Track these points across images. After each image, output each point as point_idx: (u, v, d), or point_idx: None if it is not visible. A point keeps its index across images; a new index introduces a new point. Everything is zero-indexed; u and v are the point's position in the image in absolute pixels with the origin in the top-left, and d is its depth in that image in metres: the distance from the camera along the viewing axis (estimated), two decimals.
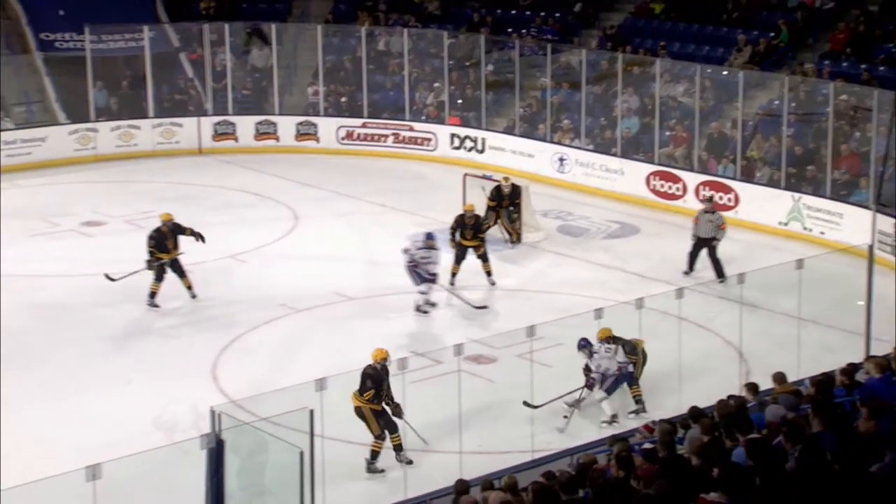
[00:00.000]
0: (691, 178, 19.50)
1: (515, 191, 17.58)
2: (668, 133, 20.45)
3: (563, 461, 9.59)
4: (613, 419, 11.61)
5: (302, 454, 9.11)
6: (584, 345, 11.83)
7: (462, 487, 8.33)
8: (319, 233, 18.30)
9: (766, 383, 9.90)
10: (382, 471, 10.74)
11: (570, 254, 17.39)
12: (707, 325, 13.77)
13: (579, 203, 19.96)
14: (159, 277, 14.64)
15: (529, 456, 10.39)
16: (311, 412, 9.15)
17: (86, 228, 18.31)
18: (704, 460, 7.17)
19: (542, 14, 24.17)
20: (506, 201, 17.47)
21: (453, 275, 15.45)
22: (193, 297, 14.83)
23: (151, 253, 14.62)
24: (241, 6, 25.70)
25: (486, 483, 8.33)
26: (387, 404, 10.72)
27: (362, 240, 18.04)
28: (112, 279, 14.81)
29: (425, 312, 14.53)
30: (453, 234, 15.55)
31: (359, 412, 10.75)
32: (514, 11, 24.87)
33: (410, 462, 10.77)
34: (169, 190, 20.55)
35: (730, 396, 9.10)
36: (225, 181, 21.14)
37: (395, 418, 10.76)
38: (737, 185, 18.93)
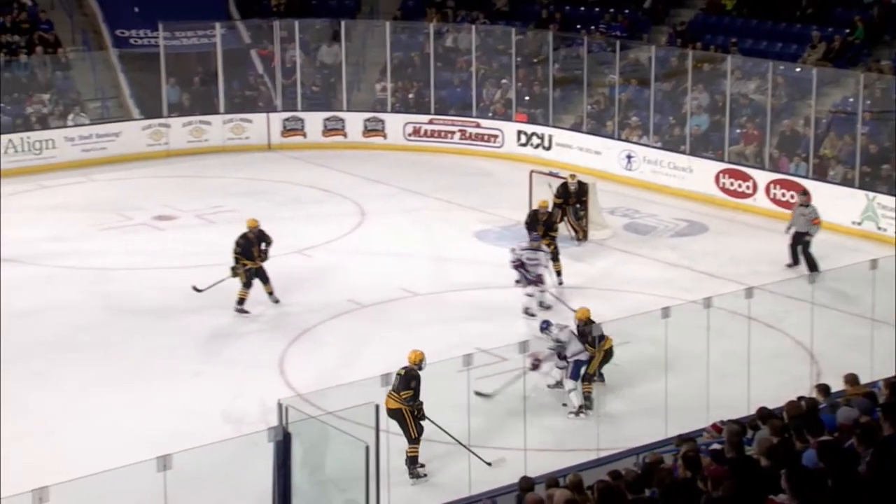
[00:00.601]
0: (762, 177, 19.25)
1: (582, 188, 17.50)
2: (738, 131, 20.19)
3: (628, 460, 9.52)
4: (581, 410, 11.66)
5: (367, 448, 9.17)
6: (546, 326, 12.03)
7: (527, 485, 8.30)
8: (386, 229, 18.39)
9: (837, 385, 9.73)
10: (425, 475, 10.54)
11: (637, 252, 17.26)
12: (777, 326, 13.58)
13: (647, 201, 19.81)
14: (247, 284, 14.39)
15: (595, 454, 10.34)
16: (377, 407, 9.21)
17: (157, 222, 18.61)
18: (774, 462, 7.07)
19: (612, 10, 24.02)
20: (572, 198, 17.40)
21: (558, 273, 15.55)
22: (276, 302, 14.66)
23: (237, 259, 14.37)
24: (311, 3, 25.94)
25: (551, 481, 8.29)
26: (417, 408, 10.49)
27: (428, 236, 18.09)
28: (199, 290, 14.58)
29: (532, 315, 14.15)
30: (530, 226, 15.60)
31: (397, 414, 10.46)
32: (582, 8, 24.76)
33: (424, 476, 10.58)
34: (238, 185, 20.83)
35: (800, 398, 8.96)
36: (293, 177, 21.35)
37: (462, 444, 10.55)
38: (809, 184, 18.61)
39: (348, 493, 9.71)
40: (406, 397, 10.42)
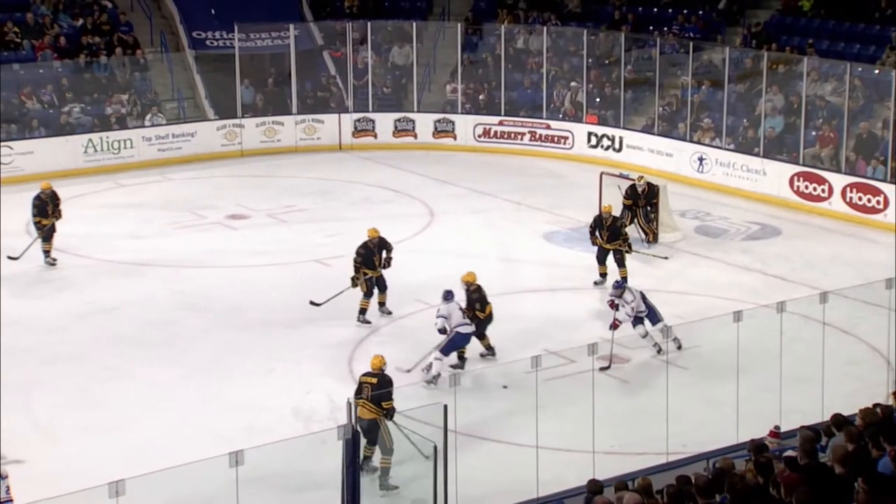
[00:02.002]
0: (837, 180, 18.92)
1: (651, 190, 17.37)
2: (814, 133, 19.88)
3: (698, 465, 9.44)
4: (435, 379, 12.19)
5: (435, 448, 9.23)
6: (448, 295, 12.70)
7: (595, 487, 8.28)
8: (455, 229, 18.43)
9: None
10: (396, 487, 10.20)
11: (708, 255, 17.08)
12: (852, 331, 13.35)
13: (718, 203, 19.59)
14: (368, 293, 14.15)
15: (664, 458, 10.27)
16: (445, 407, 9.25)
17: (230, 221, 18.86)
18: (849, 469, 6.95)
19: (685, 12, 23.78)
20: (641, 200, 17.27)
21: (602, 275, 15.37)
22: (388, 313, 14.41)
23: (357, 269, 14.16)
24: (384, 4, 26.10)
25: (620, 484, 8.26)
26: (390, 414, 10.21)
27: (497, 237, 18.09)
28: (317, 304, 14.42)
29: (659, 351, 12.99)
30: (593, 233, 15.49)
31: (373, 424, 10.10)
32: (655, 9, 24.55)
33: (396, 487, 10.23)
34: (310, 185, 21.04)
35: (876, 405, 8.81)
36: (363, 177, 21.49)
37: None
38: (886, 188, 18.27)
39: (416, 492, 9.78)
40: (389, 407, 10.07)
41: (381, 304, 14.42)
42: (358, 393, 10.28)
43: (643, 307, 13.13)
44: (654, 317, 13.20)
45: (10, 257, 16.13)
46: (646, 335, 13.07)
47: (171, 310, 14.90)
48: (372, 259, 14.20)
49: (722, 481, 7.33)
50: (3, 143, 21.04)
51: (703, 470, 8.87)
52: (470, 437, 10.66)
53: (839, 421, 8.52)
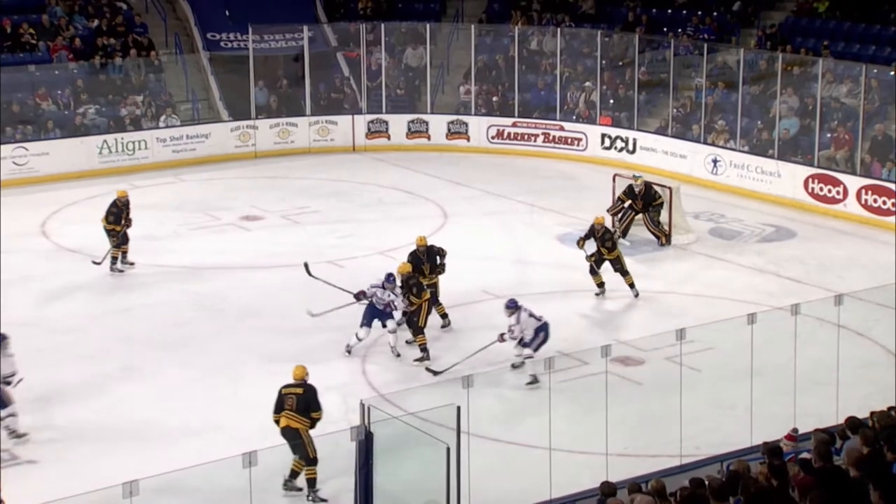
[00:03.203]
0: (853, 182, 18.85)
1: (649, 192, 17.26)
2: (829, 135, 19.81)
3: (712, 467, 9.41)
4: (394, 349, 13.19)
5: (448, 449, 9.22)
6: (390, 280, 13.37)
7: (608, 490, 8.27)
8: (468, 231, 18.42)
9: None
10: (325, 500, 10.14)
11: (722, 257, 17.04)
12: (867, 334, 13.30)
13: (733, 205, 19.54)
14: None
15: (677, 461, 10.24)
16: (458, 408, 9.25)
17: (244, 222, 18.91)
18: (864, 473, 6.93)
19: (699, 13, 23.74)
20: (639, 201, 17.19)
21: (599, 285, 15.16)
22: (448, 326, 14.16)
23: None
24: (397, 6, 26.14)
25: (633, 486, 8.25)
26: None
27: (511, 239, 18.09)
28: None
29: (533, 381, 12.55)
30: (585, 239, 15.15)
31: (296, 435, 10.07)
32: (670, 11, 24.51)
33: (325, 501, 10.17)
34: (323, 186, 21.07)
35: (890, 408, 8.78)
36: (377, 178, 21.52)
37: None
38: None
39: (428, 494, 9.78)
40: (318, 417, 10.04)
41: (442, 316, 14.12)
42: (280, 405, 10.24)
43: (531, 332, 12.80)
44: (533, 343, 12.82)
45: (94, 262, 16.12)
46: (528, 359, 12.76)
47: (185, 311, 14.94)
48: (421, 267, 14.10)
49: (736, 484, 7.32)
50: (18, 144, 21.17)
51: (717, 472, 8.85)
52: (483, 439, 10.64)
53: (854, 424, 8.51)
